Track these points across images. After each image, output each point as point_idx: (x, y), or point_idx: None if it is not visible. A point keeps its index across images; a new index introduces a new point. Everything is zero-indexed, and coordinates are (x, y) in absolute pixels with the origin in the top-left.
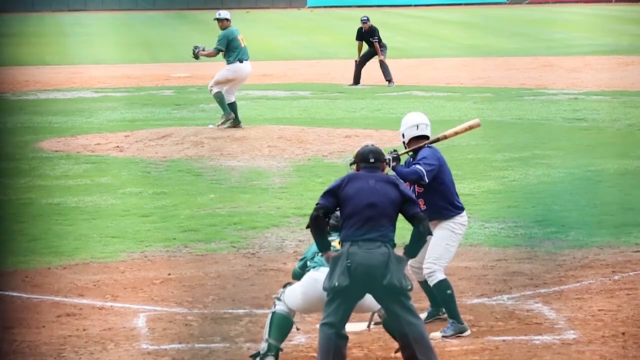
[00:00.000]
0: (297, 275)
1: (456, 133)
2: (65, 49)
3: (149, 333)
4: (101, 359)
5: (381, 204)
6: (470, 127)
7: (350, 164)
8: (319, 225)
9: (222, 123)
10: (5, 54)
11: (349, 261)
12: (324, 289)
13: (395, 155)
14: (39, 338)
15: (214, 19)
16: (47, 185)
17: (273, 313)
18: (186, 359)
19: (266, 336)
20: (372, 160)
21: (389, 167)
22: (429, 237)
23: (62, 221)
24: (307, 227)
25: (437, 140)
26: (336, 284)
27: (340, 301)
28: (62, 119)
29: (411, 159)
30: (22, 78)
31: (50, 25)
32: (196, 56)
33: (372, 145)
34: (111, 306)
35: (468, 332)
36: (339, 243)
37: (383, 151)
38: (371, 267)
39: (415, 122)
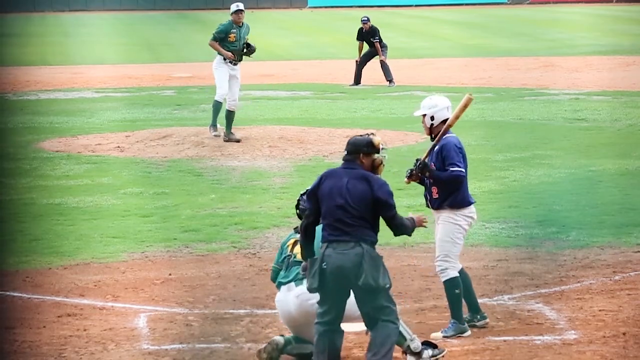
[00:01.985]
0: (276, 272)
1: (457, 117)
2: (66, 49)
3: (149, 333)
4: (102, 359)
5: (352, 204)
6: (466, 106)
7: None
8: (309, 234)
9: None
10: (6, 54)
11: (324, 263)
12: (308, 289)
13: (421, 165)
14: (39, 338)
15: (238, 11)
16: (48, 186)
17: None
18: (187, 359)
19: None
20: (346, 151)
21: (423, 177)
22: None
23: (63, 221)
24: (295, 231)
25: (447, 131)
26: (314, 286)
27: (323, 297)
28: (63, 119)
29: (433, 147)
30: (23, 78)
31: (52, 26)
32: (248, 52)
33: (368, 134)
34: (112, 306)
35: (468, 333)
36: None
37: (369, 141)
38: (345, 268)
39: (447, 103)
